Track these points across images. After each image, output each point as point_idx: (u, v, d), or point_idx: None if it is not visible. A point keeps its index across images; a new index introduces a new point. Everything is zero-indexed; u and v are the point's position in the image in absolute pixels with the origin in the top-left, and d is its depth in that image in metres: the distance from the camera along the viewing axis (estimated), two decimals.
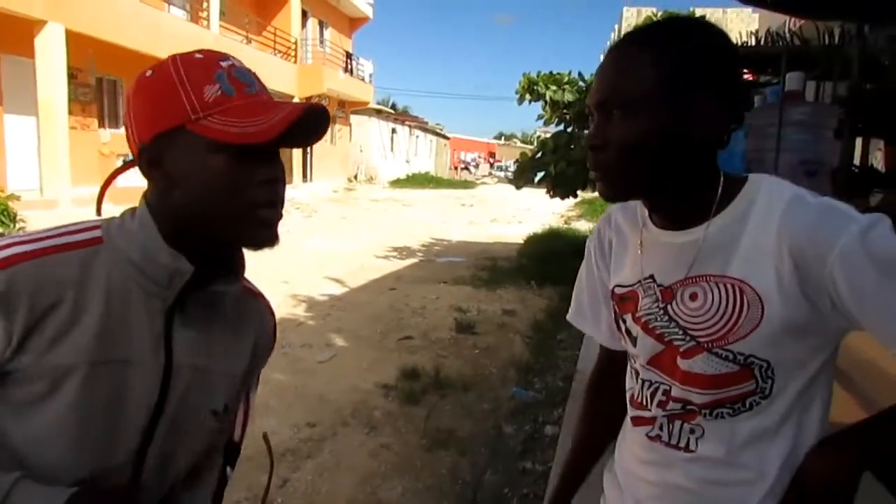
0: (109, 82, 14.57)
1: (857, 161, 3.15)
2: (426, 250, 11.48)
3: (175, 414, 0.92)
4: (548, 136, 8.85)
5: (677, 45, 0.91)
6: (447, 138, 47.18)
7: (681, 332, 0.95)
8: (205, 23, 16.54)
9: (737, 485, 0.94)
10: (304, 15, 22.50)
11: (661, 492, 1.02)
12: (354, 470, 3.34)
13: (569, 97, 7.75)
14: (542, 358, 5.36)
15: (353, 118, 27.33)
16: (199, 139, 0.84)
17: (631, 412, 1.07)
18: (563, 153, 8.00)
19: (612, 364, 1.17)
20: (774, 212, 0.88)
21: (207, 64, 0.87)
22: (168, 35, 13.64)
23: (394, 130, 32.93)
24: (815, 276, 0.84)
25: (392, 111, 37.79)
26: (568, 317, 1.27)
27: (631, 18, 31.81)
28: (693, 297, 0.94)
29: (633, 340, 1.03)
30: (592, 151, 0.94)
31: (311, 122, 0.88)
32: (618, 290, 1.06)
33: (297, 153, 21.38)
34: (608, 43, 39.81)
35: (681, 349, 0.95)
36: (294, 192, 19.06)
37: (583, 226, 14.69)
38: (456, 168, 47.18)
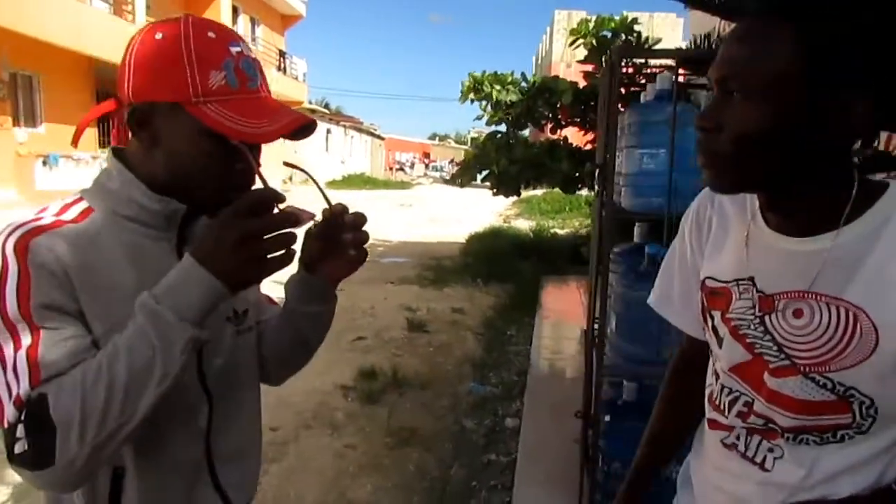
0: (25, 78, 13.85)
1: None
2: (369, 251, 11.35)
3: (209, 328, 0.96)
4: (482, 135, 8.95)
5: (835, 22, 0.74)
6: (382, 139, 46.98)
7: (775, 348, 0.86)
8: (130, 17, 15.91)
9: None
10: (235, 11, 21.98)
11: (733, 502, 0.96)
12: (321, 472, 3.31)
13: (512, 97, 7.86)
14: (494, 354, 5.44)
15: None
16: (192, 120, 0.86)
17: (708, 413, 1.00)
18: (506, 152, 8.11)
19: (699, 354, 1.06)
20: None
21: (218, 46, 0.88)
22: (90, 29, 13.10)
23: (328, 131, 32.54)
24: None
25: (326, 111, 37.33)
26: (650, 301, 1.16)
27: (562, 21, 32.57)
28: (798, 313, 0.84)
29: (720, 341, 0.94)
30: (702, 133, 0.82)
31: (299, 131, 0.93)
32: (709, 283, 0.97)
33: None
34: (540, 45, 40.41)
35: (771, 365, 0.86)
36: None
37: (522, 224, 14.90)
38: (391, 169, 47.02)
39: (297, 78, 26.33)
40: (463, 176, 8.49)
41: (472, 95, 8.26)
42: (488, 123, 8.51)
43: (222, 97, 0.87)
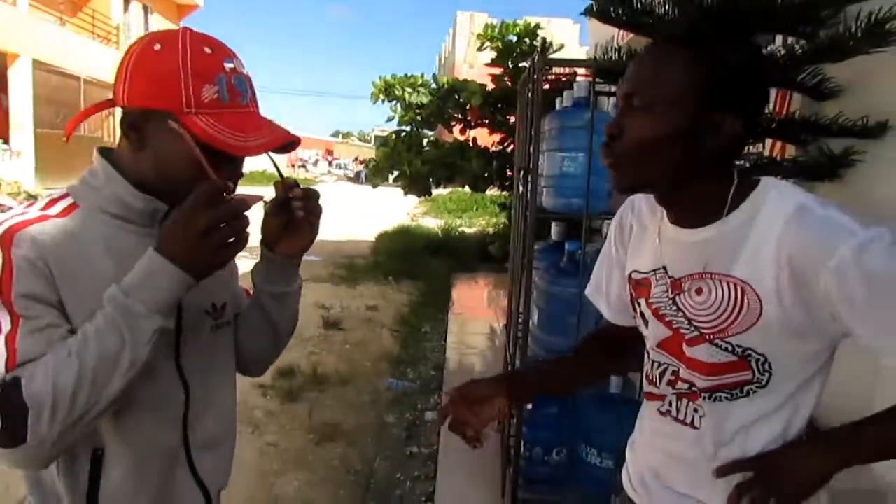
0: None
1: None
2: None
3: (186, 324, 1.04)
4: (387, 134, 9.02)
5: (720, 59, 0.93)
6: None
7: (686, 322, 1.01)
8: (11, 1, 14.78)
9: (730, 459, 1.02)
10: None
11: (668, 461, 1.11)
12: (247, 469, 3.29)
13: (423, 99, 7.99)
14: (410, 350, 5.55)
15: None
16: (182, 129, 0.92)
17: (645, 388, 1.16)
18: (418, 152, 8.24)
19: (614, 334, 1.27)
20: (778, 219, 0.92)
21: (213, 62, 0.94)
22: None
23: None
24: (811, 286, 0.88)
25: None
26: (587, 292, 1.31)
27: (465, 22, 33.06)
28: (699, 291, 0.99)
29: (646, 323, 1.11)
30: (608, 138, 0.98)
31: (282, 146, 1.00)
32: (635, 276, 1.13)
33: None
34: (443, 45, 40.78)
35: (686, 337, 1.02)
36: None
37: (430, 223, 15.08)
38: (293, 166, 46.03)
39: None
40: (375, 177, 8.53)
41: (382, 96, 8.33)
42: (399, 124, 8.62)
43: (213, 110, 0.92)
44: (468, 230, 13.30)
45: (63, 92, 16.54)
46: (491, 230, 11.60)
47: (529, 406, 2.81)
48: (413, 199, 16.40)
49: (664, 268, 1.06)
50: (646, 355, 1.15)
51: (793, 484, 0.96)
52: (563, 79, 5.18)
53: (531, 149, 2.64)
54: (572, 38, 24.68)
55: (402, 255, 9.55)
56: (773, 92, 3.98)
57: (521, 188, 3.06)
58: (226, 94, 0.94)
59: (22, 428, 0.82)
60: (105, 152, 0.99)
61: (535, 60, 2.67)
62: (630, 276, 1.14)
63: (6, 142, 14.54)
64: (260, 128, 0.97)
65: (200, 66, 0.92)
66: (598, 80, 3.22)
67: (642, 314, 1.11)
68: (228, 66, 0.95)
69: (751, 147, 4.23)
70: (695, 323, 1.00)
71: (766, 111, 4.01)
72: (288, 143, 0.99)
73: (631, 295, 1.15)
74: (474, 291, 8.08)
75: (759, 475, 0.98)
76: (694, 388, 1.04)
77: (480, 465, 3.28)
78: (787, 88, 3.53)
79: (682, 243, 1.03)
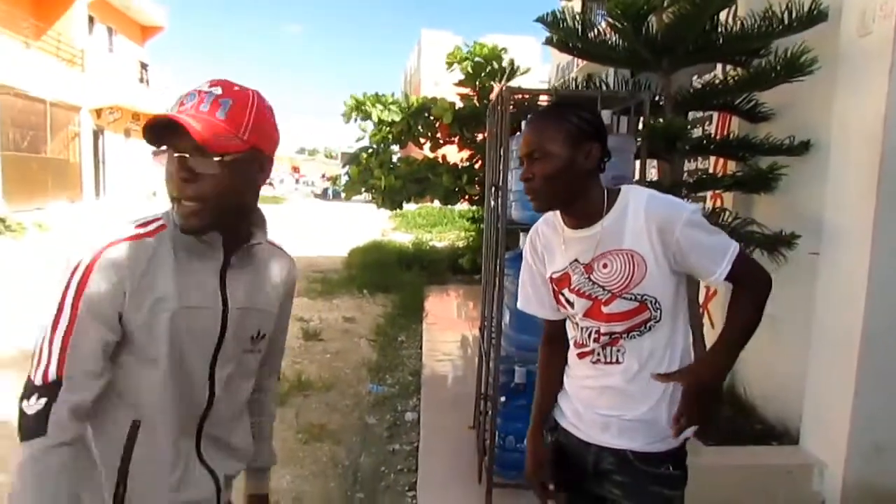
0: None
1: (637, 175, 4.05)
2: None
3: (229, 343, 1.26)
4: (355, 151, 9.31)
5: (570, 115, 1.45)
6: None
7: (601, 289, 1.46)
8: None
9: (643, 380, 1.47)
10: (91, 21, 20.78)
11: (599, 392, 1.53)
12: None
13: (394, 117, 8.31)
14: (388, 357, 5.82)
15: None
16: (268, 164, 1.23)
17: (576, 351, 1.57)
18: (390, 168, 8.55)
19: (554, 330, 1.67)
20: (641, 205, 1.43)
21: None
22: None
23: None
24: (669, 241, 1.39)
25: None
26: (518, 305, 1.71)
27: (431, 40, 33.56)
28: (605, 266, 1.45)
29: (572, 304, 1.52)
30: (525, 182, 1.45)
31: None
32: (554, 276, 1.56)
33: (88, 169, 19.68)
34: (408, 62, 41.02)
35: (602, 300, 1.46)
36: (85, 209, 17.55)
37: (400, 237, 15.34)
38: None
39: (159, 90, 25.19)
40: (349, 191, 8.81)
41: (354, 114, 8.63)
42: (371, 140, 8.92)
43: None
44: (438, 244, 13.62)
45: (29, 115, 16.46)
46: (461, 244, 11.92)
47: (503, 398, 3.12)
48: (383, 215, 16.61)
49: (576, 260, 1.50)
50: (573, 328, 1.58)
51: (709, 379, 1.41)
52: (526, 102, 5.56)
53: (501, 167, 2.97)
54: (535, 56, 25.32)
55: (375, 268, 9.82)
56: (714, 115, 4.41)
57: (492, 202, 3.40)
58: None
59: (45, 424, 1.06)
60: None
61: (503, 91, 3.01)
62: (550, 277, 1.57)
63: None
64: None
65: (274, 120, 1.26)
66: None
67: (567, 299, 1.54)
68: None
69: (698, 164, 4.66)
70: (607, 287, 1.45)
71: (709, 132, 4.45)
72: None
73: (554, 290, 1.57)
74: (446, 302, 8.39)
75: (685, 392, 1.40)
76: (615, 335, 1.48)
77: (458, 457, 3.57)
78: (727, 112, 3.96)
79: (582, 239, 1.49)
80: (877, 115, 2.73)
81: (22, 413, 1.08)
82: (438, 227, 17.94)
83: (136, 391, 1.18)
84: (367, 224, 18.26)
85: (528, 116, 1.56)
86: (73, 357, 1.09)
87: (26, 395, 1.08)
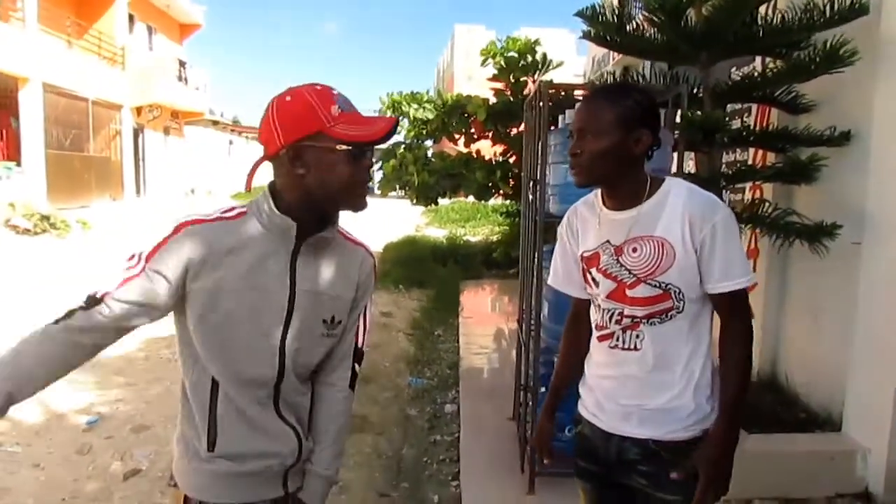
0: None
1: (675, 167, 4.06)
2: None
3: (299, 322, 1.35)
4: (391, 146, 9.41)
5: (627, 99, 1.47)
6: None
7: (628, 273, 1.48)
8: (19, 24, 15.15)
9: (663, 368, 1.49)
10: (132, 19, 21.29)
11: (619, 382, 1.54)
12: None
13: (429, 115, 8.38)
14: (426, 351, 5.91)
15: (188, 129, 26.17)
16: (329, 139, 1.27)
17: (597, 334, 1.59)
18: (424, 164, 8.63)
19: (580, 308, 1.71)
20: (680, 198, 1.45)
21: (327, 93, 1.31)
22: None
23: (231, 142, 31.91)
24: (697, 235, 1.42)
25: (229, 122, 36.46)
26: (549, 281, 1.75)
27: (463, 35, 33.52)
28: (634, 250, 1.47)
29: (597, 284, 1.54)
30: (572, 157, 1.49)
31: (392, 130, 1.34)
32: (585, 254, 1.59)
33: (129, 167, 20.19)
34: (441, 58, 41.07)
35: (627, 283, 1.48)
36: (126, 207, 18.02)
37: (434, 233, 15.43)
38: None
39: (197, 88, 25.69)
40: (384, 188, 8.92)
41: (390, 113, 8.73)
42: (406, 138, 9.01)
43: (342, 119, 1.28)
44: (472, 239, 13.67)
45: (71, 113, 16.94)
46: (494, 238, 11.96)
47: (543, 389, 3.17)
48: (417, 211, 16.68)
49: (608, 241, 1.53)
50: (596, 310, 1.59)
51: (724, 459, 1.46)
52: (562, 95, 5.59)
53: (539, 162, 3.02)
54: (570, 49, 25.06)
55: (410, 263, 9.89)
56: (753, 107, 4.38)
57: (530, 196, 3.45)
58: (343, 106, 1.29)
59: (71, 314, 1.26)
60: (271, 184, 1.36)
61: (540, 86, 3.06)
62: (581, 255, 1.60)
63: (18, 164, 14.91)
64: (372, 122, 1.31)
65: (321, 96, 1.29)
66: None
67: (594, 279, 1.56)
68: (335, 93, 1.31)
69: (736, 156, 4.63)
70: (634, 272, 1.47)
71: (748, 124, 4.43)
72: (397, 123, 1.33)
73: (583, 269, 1.59)
74: (481, 297, 8.46)
75: (704, 480, 1.45)
76: (636, 319, 1.50)
77: (499, 447, 3.63)
78: (766, 104, 3.93)
79: (617, 221, 1.52)
80: None
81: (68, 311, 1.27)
82: (472, 221, 17.99)
83: (208, 356, 1.32)
84: (402, 219, 18.38)
85: (589, 91, 1.59)
86: (120, 293, 1.25)
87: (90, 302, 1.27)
